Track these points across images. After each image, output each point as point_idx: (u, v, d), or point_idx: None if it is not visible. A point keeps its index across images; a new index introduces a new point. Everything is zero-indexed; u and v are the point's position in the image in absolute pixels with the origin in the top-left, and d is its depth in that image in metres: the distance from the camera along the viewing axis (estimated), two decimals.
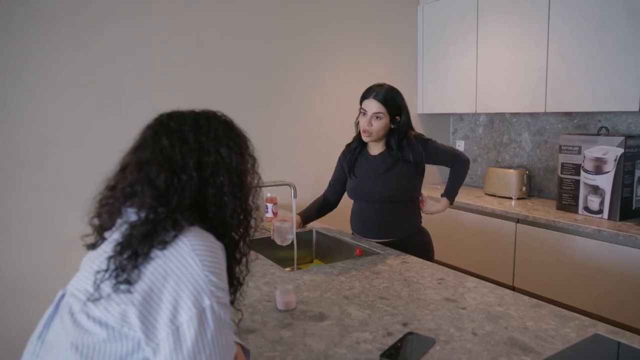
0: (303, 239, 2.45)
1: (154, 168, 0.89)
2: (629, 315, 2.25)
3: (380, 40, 3.47)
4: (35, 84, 2.41)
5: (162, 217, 0.86)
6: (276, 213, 2.66)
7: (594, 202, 2.57)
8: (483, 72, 3.16)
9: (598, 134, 2.66)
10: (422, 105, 3.64)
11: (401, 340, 1.23)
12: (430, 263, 1.86)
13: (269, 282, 1.69)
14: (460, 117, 3.80)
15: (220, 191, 0.92)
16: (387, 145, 2.09)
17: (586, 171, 2.60)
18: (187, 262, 0.83)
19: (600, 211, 2.55)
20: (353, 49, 3.36)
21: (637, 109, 2.38)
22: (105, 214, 0.94)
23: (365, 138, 2.06)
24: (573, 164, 2.67)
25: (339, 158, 2.26)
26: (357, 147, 2.17)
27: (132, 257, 0.83)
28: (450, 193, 2.20)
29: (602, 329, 1.28)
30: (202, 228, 0.90)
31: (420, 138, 2.09)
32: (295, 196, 2.05)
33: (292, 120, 3.19)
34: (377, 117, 2.01)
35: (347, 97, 3.38)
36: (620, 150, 2.44)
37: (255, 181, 1.02)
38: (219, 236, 0.92)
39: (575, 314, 1.38)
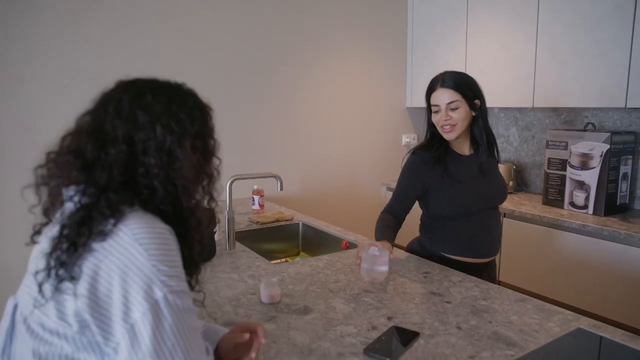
0: (290, 231, 2.44)
1: (85, 136, 0.84)
2: (611, 309, 2.27)
3: (370, 35, 3.45)
4: (18, 71, 2.35)
5: (94, 200, 0.80)
6: (263, 205, 2.64)
7: (579, 197, 2.59)
8: (472, 66, 3.16)
9: (585, 130, 2.67)
10: (410, 99, 3.64)
11: (385, 334, 1.22)
12: (417, 257, 1.85)
13: (253, 274, 1.68)
14: None
15: (149, 172, 0.84)
16: (473, 139, 1.77)
17: (572, 167, 2.61)
18: (131, 254, 0.77)
19: (586, 206, 2.57)
20: (343, 44, 3.34)
21: (624, 106, 2.40)
22: (48, 196, 0.88)
23: (448, 135, 1.71)
24: (559, 159, 2.68)
25: (411, 168, 1.78)
26: (438, 148, 1.75)
27: (70, 250, 0.77)
28: None
29: (585, 323, 1.29)
30: (146, 209, 0.84)
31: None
32: (281, 188, 2.03)
33: (282, 114, 3.16)
34: (452, 109, 1.67)
35: (337, 92, 3.37)
36: (606, 147, 2.46)
37: (208, 166, 0.93)
38: (166, 218, 0.85)
39: (559, 309, 1.39)
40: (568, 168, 2.63)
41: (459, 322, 1.30)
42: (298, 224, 2.46)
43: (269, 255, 2.22)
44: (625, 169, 2.56)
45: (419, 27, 3.54)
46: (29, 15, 2.35)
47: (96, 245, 0.78)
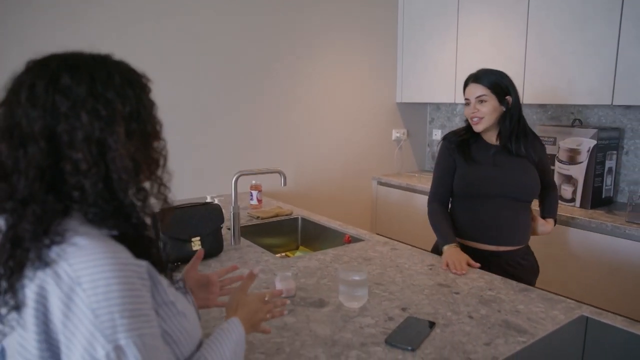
0: (289, 226, 2.47)
1: None
2: (599, 299, 2.38)
3: (362, 31, 3.48)
4: (18, 67, 2.31)
5: (17, 216, 0.68)
6: (261, 200, 2.66)
7: (567, 191, 2.69)
8: (462, 63, 3.23)
9: (572, 126, 2.77)
10: (400, 94, 3.70)
11: (403, 324, 1.27)
12: (420, 250, 1.91)
13: (263, 269, 1.71)
14: (437, 106, 3.87)
15: (78, 169, 0.69)
16: (501, 134, 1.83)
17: (560, 161, 2.71)
18: (70, 300, 0.65)
19: (573, 200, 2.67)
20: (335, 41, 3.36)
21: (610, 103, 2.49)
22: None
23: (476, 127, 1.81)
24: (548, 154, 2.76)
25: (443, 151, 1.90)
26: (467, 133, 1.87)
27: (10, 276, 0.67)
28: (554, 214, 1.96)
29: (587, 311, 1.36)
30: (86, 217, 0.72)
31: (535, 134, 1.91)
32: (285, 184, 2.06)
33: (274, 111, 3.17)
34: (481, 101, 1.78)
35: (329, 89, 3.40)
36: (594, 142, 2.55)
37: (150, 151, 0.80)
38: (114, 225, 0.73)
39: (562, 297, 1.46)
40: (556, 163, 2.72)
41: (470, 312, 1.36)
42: (297, 218, 2.49)
43: (269, 250, 2.25)
44: (610, 163, 2.67)
45: (409, 24, 3.59)
46: (29, 15, 2.31)
47: (39, 273, 0.67)
